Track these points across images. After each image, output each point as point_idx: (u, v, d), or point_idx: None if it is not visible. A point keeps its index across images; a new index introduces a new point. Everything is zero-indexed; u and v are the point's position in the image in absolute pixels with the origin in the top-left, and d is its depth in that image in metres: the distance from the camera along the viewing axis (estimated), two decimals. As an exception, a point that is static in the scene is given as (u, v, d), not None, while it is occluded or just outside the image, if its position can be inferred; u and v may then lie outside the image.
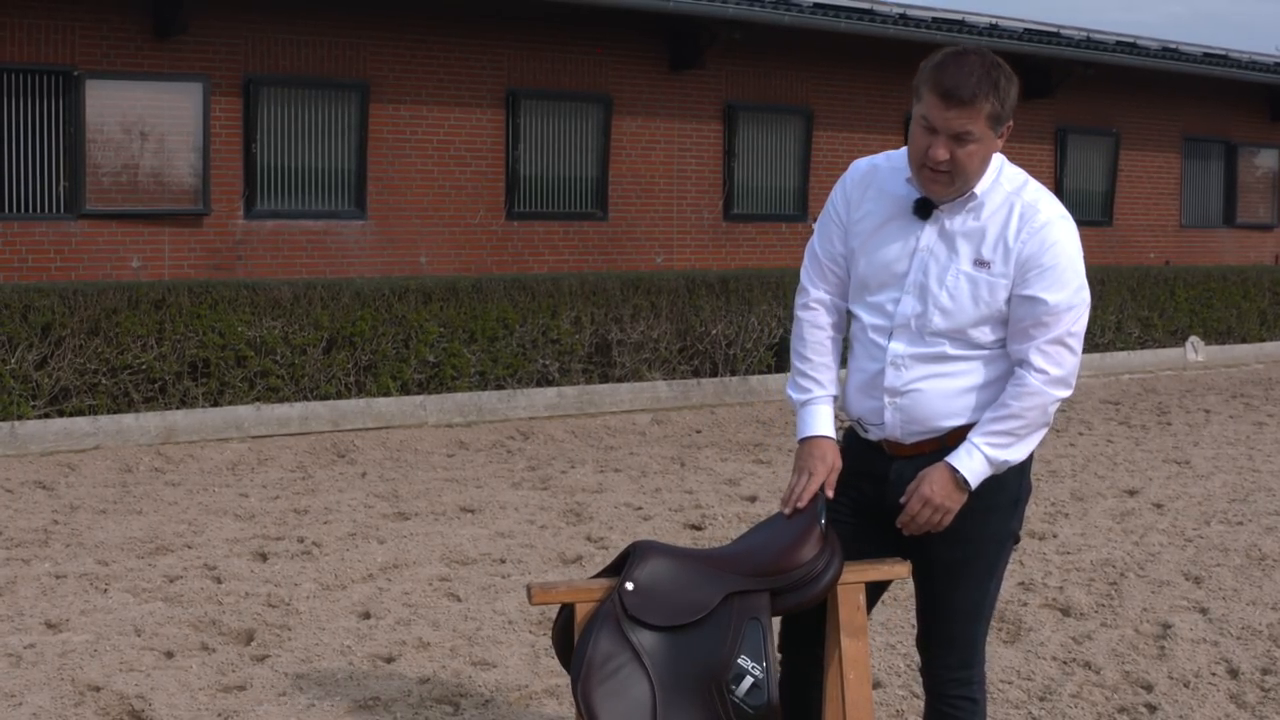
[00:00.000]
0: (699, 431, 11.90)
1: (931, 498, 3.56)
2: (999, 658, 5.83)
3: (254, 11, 13.51)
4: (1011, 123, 3.55)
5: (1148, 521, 8.53)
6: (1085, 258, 3.63)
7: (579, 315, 12.80)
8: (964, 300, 3.57)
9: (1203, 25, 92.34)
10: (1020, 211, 3.56)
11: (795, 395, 3.80)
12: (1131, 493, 9.45)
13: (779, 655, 3.96)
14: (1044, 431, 3.63)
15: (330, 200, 14.09)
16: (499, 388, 12.27)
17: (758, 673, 3.43)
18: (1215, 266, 19.20)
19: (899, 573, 3.72)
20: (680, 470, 10.07)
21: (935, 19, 17.71)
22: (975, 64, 3.46)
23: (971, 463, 3.55)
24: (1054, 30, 19.01)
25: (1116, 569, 7.32)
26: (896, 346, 3.63)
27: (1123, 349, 16.97)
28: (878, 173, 3.73)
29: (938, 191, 3.56)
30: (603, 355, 12.99)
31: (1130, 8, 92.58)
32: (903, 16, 17.24)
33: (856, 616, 3.65)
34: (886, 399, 3.64)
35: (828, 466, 3.66)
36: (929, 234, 3.62)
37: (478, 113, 14.86)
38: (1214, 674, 5.71)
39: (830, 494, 3.66)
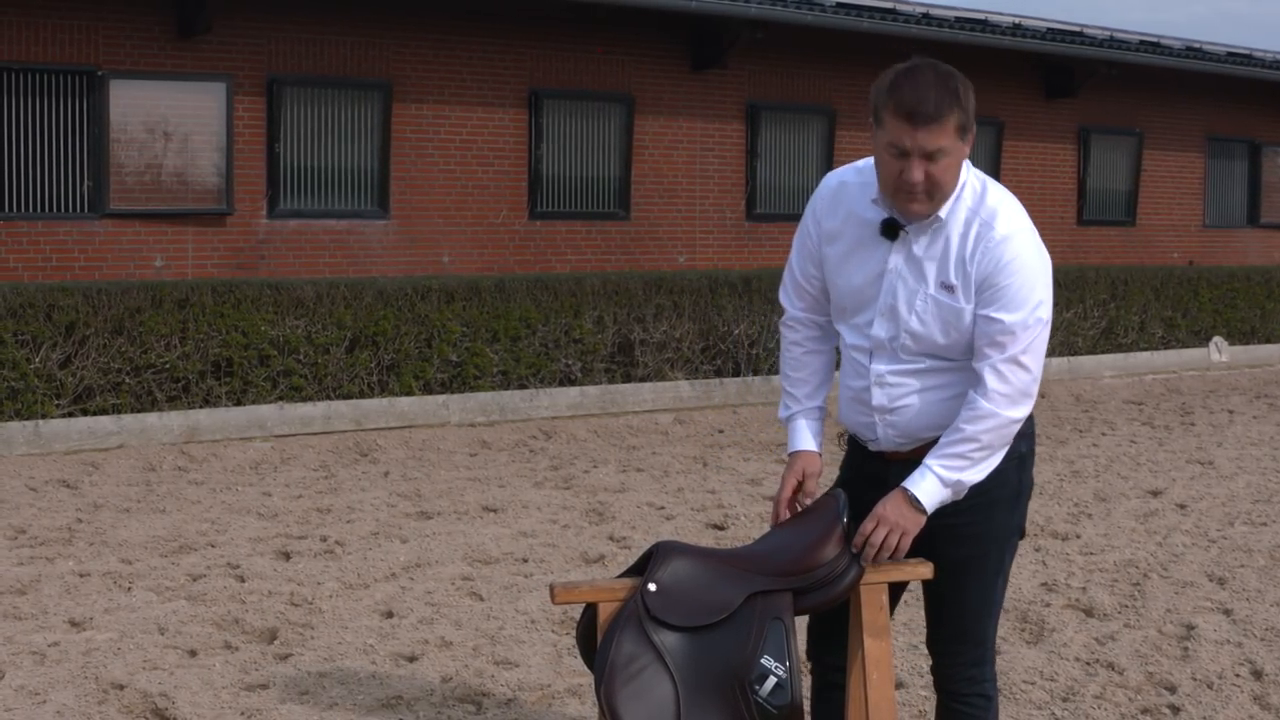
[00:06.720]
0: (721, 431, 11.89)
1: (885, 516, 3.56)
2: (1022, 658, 5.81)
3: (277, 11, 13.55)
4: (974, 128, 3.47)
5: (1171, 522, 8.50)
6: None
7: (601, 315, 12.80)
8: (932, 323, 3.57)
9: (1226, 25, 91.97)
10: (977, 230, 3.50)
11: (780, 412, 3.94)
12: (1155, 493, 9.42)
13: (806, 660, 3.97)
14: (1004, 450, 3.60)
15: (353, 200, 14.12)
16: (521, 387, 12.28)
17: (780, 673, 3.43)
18: (1239, 267, 19.11)
19: (922, 573, 3.72)
20: (703, 470, 10.07)
21: (958, 19, 17.64)
22: (931, 78, 3.37)
23: (925, 484, 3.55)
24: (1077, 30, 18.94)
25: (1140, 570, 7.29)
26: (878, 366, 3.66)
27: (1146, 349, 16.91)
28: (847, 190, 3.68)
29: (918, 210, 3.48)
30: (625, 355, 12.99)
31: (1154, 7, 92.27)
32: (926, 16, 17.18)
33: (879, 617, 3.66)
34: (877, 416, 3.69)
35: (796, 475, 3.78)
36: (896, 257, 3.59)
37: (500, 112, 14.88)
38: (1238, 675, 5.69)
39: (808, 495, 3.78)
